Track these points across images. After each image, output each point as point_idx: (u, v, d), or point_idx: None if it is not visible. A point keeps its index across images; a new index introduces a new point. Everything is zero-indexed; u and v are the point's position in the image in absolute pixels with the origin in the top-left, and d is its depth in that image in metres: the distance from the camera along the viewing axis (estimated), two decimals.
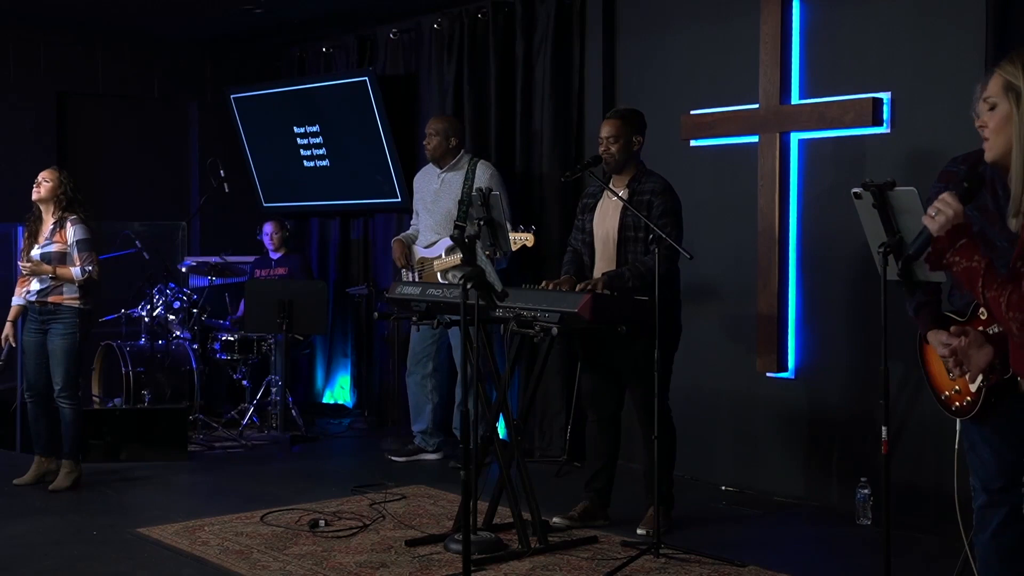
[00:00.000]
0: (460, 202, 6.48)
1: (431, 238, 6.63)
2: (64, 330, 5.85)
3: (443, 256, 6.51)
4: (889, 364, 4.02)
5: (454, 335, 6.47)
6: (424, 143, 6.66)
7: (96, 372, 7.84)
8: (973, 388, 3.12)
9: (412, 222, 6.91)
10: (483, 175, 6.46)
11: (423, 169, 6.85)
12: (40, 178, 5.97)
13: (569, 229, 5.73)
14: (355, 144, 7.95)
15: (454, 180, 6.56)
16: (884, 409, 3.99)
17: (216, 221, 8.91)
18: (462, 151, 6.66)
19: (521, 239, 5.86)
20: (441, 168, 6.63)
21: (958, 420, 3.28)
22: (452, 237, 6.32)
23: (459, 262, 6.35)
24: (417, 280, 6.57)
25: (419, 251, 6.70)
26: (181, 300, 7.82)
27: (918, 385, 5.18)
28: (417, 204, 6.83)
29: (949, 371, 3.24)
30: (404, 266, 6.76)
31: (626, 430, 5.46)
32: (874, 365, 4.57)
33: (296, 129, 8.36)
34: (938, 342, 3.25)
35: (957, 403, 3.20)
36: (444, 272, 6.47)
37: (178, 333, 7.80)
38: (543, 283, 5.07)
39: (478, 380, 4.61)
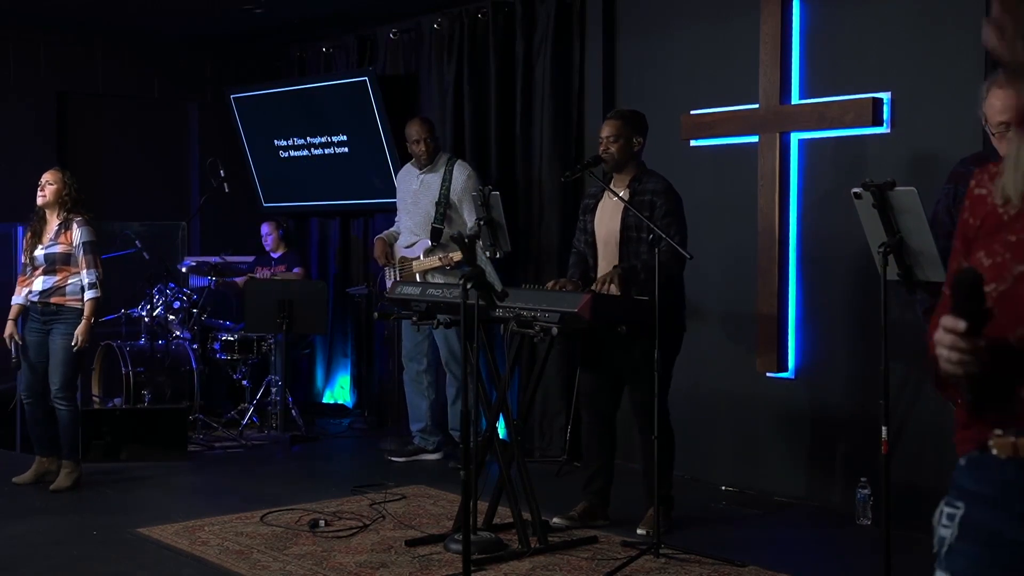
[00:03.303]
0: (437, 204, 6.46)
1: (410, 239, 6.63)
2: (66, 330, 5.84)
3: (421, 257, 6.51)
4: (889, 364, 4.04)
5: (438, 334, 6.47)
6: (416, 149, 6.57)
7: (96, 372, 7.84)
8: None
9: (396, 219, 6.90)
10: (460, 176, 6.45)
11: (405, 167, 6.84)
12: (44, 180, 5.94)
13: (569, 229, 5.75)
14: (355, 144, 7.95)
15: (433, 181, 6.54)
16: (884, 409, 4.00)
17: (216, 221, 8.91)
18: (440, 151, 6.65)
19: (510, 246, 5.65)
20: (421, 168, 6.62)
21: None
22: (451, 237, 6.33)
23: (437, 263, 6.37)
24: (398, 278, 6.57)
25: (400, 250, 6.70)
26: (181, 300, 7.83)
27: (918, 385, 5.18)
28: (399, 203, 6.83)
29: None
30: (385, 264, 6.77)
31: (625, 430, 5.46)
32: (874, 365, 4.57)
33: (296, 129, 8.35)
34: None
35: None
36: (423, 273, 6.46)
37: (178, 333, 7.80)
38: (549, 283, 5.07)
39: (477, 380, 4.61)
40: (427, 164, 6.57)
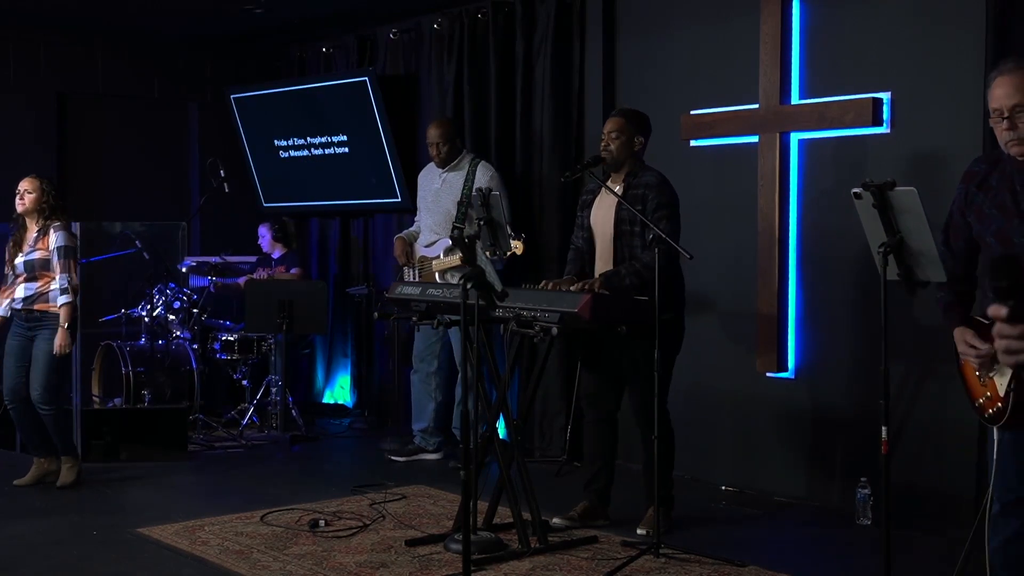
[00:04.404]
0: (459, 203, 6.47)
1: (431, 238, 6.63)
2: (49, 336, 5.84)
3: (441, 256, 6.52)
4: (889, 364, 4.02)
5: (454, 334, 6.47)
6: (433, 152, 6.60)
7: (96, 372, 7.84)
8: (1001, 393, 3.10)
9: (416, 219, 6.91)
10: (483, 177, 6.45)
11: (428, 165, 6.85)
12: (22, 189, 5.96)
13: (568, 229, 5.73)
14: (355, 144, 7.95)
15: (455, 180, 6.55)
16: (884, 409, 3.99)
17: (216, 221, 8.91)
18: (463, 151, 6.66)
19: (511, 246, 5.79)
20: (443, 168, 6.62)
21: (994, 428, 3.25)
22: (452, 237, 6.33)
23: (457, 263, 6.37)
24: (417, 278, 6.58)
25: (420, 250, 6.71)
26: (181, 300, 7.83)
27: (918, 385, 5.19)
28: (420, 202, 6.84)
29: (977, 371, 3.21)
30: (405, 264, 6.76)
31: (626, 430, 5.46)
32: (874, 365, 4.57)
33: (296, 129, 8.35)
34: (961, 339, 3.22)
35: (989, 410, 3.17)
36: (442, 272, 6.48)
37: (178, 333, 7.80)
38: (543, 283, 5.07)
39: (478, 380, 4.61)
40: (445, 166, 6.58)
